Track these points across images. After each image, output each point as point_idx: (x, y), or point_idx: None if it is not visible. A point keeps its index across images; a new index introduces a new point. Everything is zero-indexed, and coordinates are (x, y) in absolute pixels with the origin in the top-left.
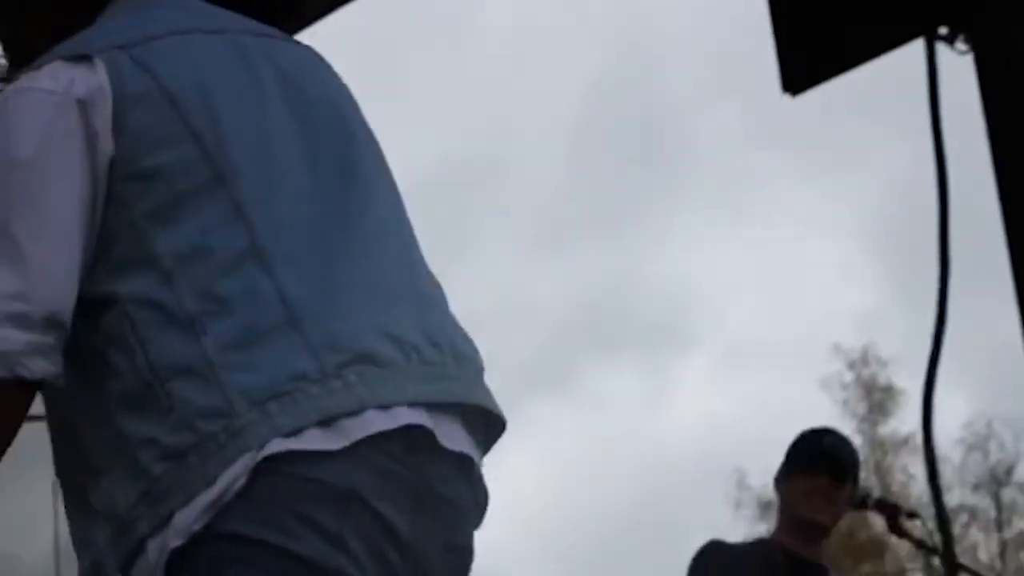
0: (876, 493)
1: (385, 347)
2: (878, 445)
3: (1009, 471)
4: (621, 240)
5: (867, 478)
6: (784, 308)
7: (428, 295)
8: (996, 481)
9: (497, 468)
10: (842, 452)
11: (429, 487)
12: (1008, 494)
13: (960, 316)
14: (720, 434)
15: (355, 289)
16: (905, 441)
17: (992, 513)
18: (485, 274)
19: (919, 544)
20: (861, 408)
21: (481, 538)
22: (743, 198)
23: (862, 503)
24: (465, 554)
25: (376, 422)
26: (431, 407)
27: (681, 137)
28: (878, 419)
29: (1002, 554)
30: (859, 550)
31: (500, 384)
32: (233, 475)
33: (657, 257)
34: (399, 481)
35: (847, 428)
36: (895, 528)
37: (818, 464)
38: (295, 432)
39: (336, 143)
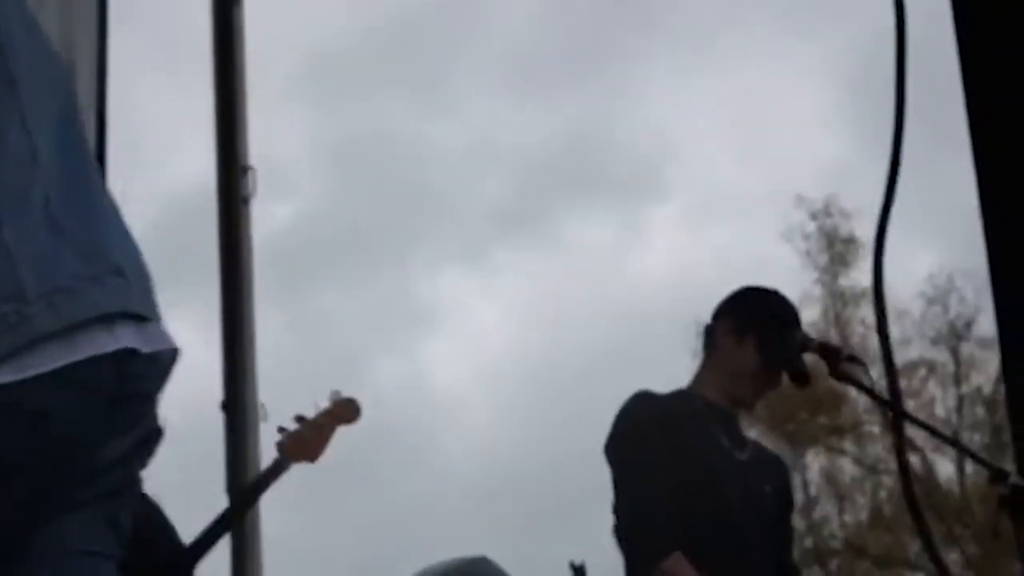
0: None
1: (122, 262)
2: (838, 297)
3: (968, 325)
4: (596, 86)
5: (827, 330)
6: (756, 158)
7: (124, 221)
8: (955, 335)
9: (466, 315)
10: (804, 364)
11: (135, 392)
12: (967, 348)
13: (926, 171)
14: (688, 283)
15: (93, 210)
16: (864, 293)
17: (950, 367)
18: (458, 118)
19: (860, 387)
20: (822, 260)
21: (450, 386)
22: (719, 45)
23: (802, 347)
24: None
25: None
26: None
27: None
28: (839, 271)
29: (959, 408)
30: (815, 401)
31: (471, 230)
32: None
33: (632, 104)
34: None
35: (808, 279)
36: (835, 372)
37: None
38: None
39: (60, 93)
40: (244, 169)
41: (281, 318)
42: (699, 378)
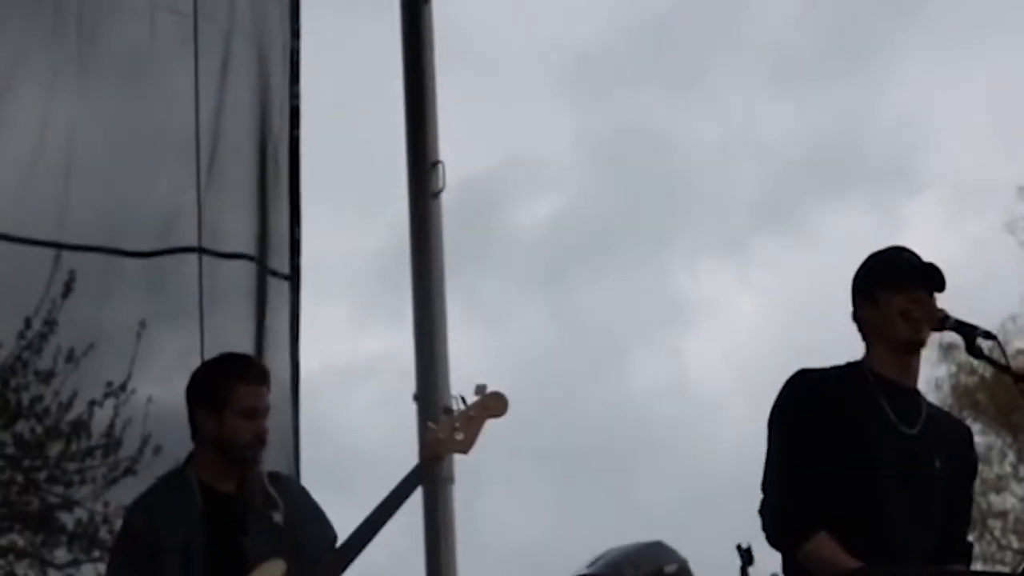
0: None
1: None
2: None
3: None
4: (851, 79)
5: None
6: (1009, 149)
7: None
8: None
9: (724, 307)
10: (932, 264)
11: None
12: None
13: None
14: (949, 277)
15: None
16: None
17: None
18: (717, 111)
19: (993, 364)
20: None
21: (707, 379)
22: (975, 37)
23: (941, 325)
24: None
25: None
26: None
27: None
28: None
29: None
30: None
31: (729, 222)
32: None
33: (887, 96)
34: None
35: None
36: (971, 349)
37: (917, 278)
38: None
39: None
40: (434, 164)
41: (542, 309)
42: (866, 354)
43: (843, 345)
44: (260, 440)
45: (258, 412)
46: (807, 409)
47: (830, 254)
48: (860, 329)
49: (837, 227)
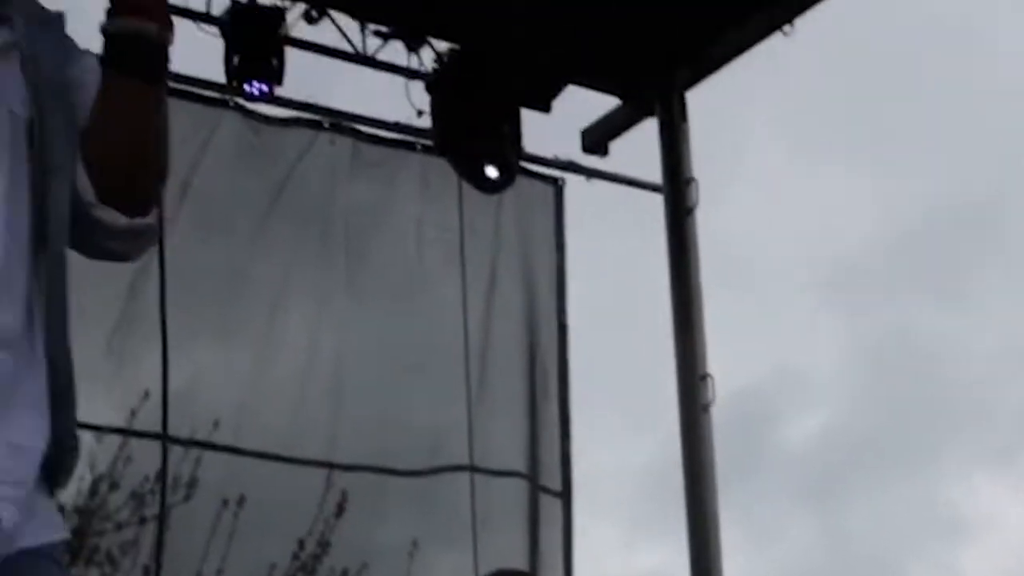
0: None
1: None
2: None
3: None
4: None
5: None
6: None
7: None
8: None
9: (1001, 522)
10: None
11: None
12: None
13: None
14: None
15: None
16: None
17: None
18: (985, 319)
19: None
20: None
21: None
22: None
23: None
24: None
25: None
26: None
27: None
28: None
29: None
30: None
31: (1003, 433)
32: None
33: None
34: None
35: None
36: None
37: None
38: None
39: None
40: (703, 377)
41: (813, 523)
42: None
43: None
44: None
45: None
46: None
47: None
48: None
49: None
